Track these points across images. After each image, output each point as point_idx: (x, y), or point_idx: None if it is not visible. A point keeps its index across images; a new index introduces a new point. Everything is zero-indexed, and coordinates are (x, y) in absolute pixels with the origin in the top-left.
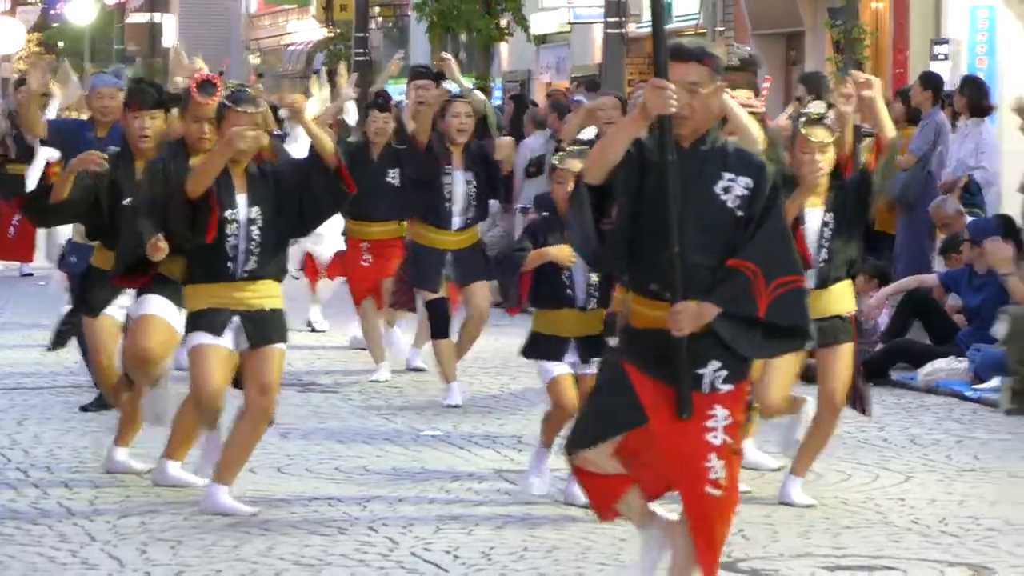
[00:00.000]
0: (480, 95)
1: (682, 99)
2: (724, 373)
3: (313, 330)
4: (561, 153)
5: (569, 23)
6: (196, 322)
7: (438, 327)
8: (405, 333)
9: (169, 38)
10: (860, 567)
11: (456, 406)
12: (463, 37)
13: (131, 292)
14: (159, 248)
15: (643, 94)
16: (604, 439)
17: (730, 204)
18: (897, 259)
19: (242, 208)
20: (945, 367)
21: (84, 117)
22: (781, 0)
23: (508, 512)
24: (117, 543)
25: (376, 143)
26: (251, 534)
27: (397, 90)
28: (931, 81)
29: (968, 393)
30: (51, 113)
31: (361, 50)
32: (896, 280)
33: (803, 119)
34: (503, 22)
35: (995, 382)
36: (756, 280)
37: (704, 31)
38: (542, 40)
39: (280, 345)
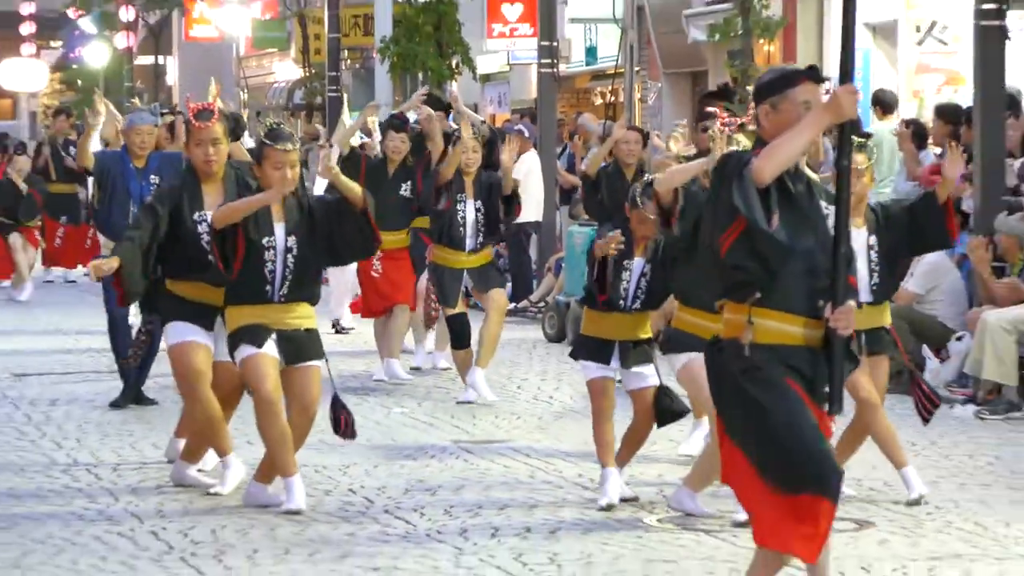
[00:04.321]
0: (479, 121)
1: None
2: None
3: (339, 331)
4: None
5: (509, 64)
6: (240, 336)
7: (459, 339)
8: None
9: (171, 77)
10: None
11: (469, 402)
12: (420, 76)
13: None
14: (100, 270)
15: (835, 99)
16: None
17: (830, 225)
18: None
19: (279, 236)
20: None
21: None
22: (687, 44)
23: (465, 476)
24: (166, 526)
25: (393, 160)
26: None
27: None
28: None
29: None
30: (94, 145)
31: (333, 87)
32: None
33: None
34: (453, 63)
35: None
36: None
37: (623, 70)
38: (486, 78)
39: (316, 362)
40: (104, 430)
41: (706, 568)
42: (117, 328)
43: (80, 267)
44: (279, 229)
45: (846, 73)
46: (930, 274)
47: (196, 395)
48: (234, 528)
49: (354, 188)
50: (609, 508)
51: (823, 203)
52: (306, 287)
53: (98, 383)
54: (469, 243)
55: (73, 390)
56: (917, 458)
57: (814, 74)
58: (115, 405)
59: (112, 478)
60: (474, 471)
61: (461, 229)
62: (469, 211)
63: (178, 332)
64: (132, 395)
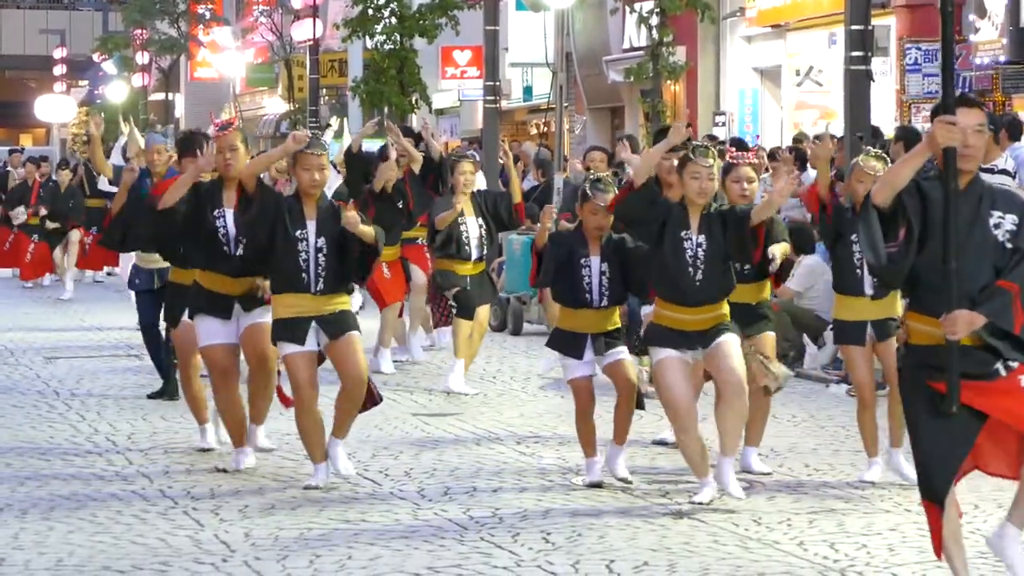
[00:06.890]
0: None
1: (973, 140)
2: (1008, 360)
3: None
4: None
5: (459, 100)
6: (282, 333)
7: (463, 311)
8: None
9: (179, 110)
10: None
11: (415, 362)
12: (385, 110)
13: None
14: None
15: (932, 128)
16: (953, 478)
17: (1000, 237)
18: None
19: (311, 233)
20: None
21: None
22: (608, 84)
23: (422, 443)
24: (171, 484)
25: (386, 187)
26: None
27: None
28: (713, 140)
29: None
30: (114, 158)
31: (313, 120)
32: None
33: (862, 155)
34: (413, 99)
35: None
36: (1015, 300)
37: (554, 107)
38: (441, 112)
39: (355, 332)
40: (121, 405)
41: (622, 517)
42: (150, 337)
43: (106, 269)
44: (311, 225)
45: (947, 108)
46: (808, 275)
47: (222, 389)
48: (229, 487)
49: (370, 233)
50: (599, 486)
51: (998, 212)
52: (340, 283)
53: (116, 365)
54: (474, 254)
55: (95, 372)
56: (798, 428)
57: (967, 100)
58: (154, 396)
59: (127, 445)
60: (429, 439)
61: (467, 247)
62: (472, 227)
63: (206, 333)
64: (172, 389)
